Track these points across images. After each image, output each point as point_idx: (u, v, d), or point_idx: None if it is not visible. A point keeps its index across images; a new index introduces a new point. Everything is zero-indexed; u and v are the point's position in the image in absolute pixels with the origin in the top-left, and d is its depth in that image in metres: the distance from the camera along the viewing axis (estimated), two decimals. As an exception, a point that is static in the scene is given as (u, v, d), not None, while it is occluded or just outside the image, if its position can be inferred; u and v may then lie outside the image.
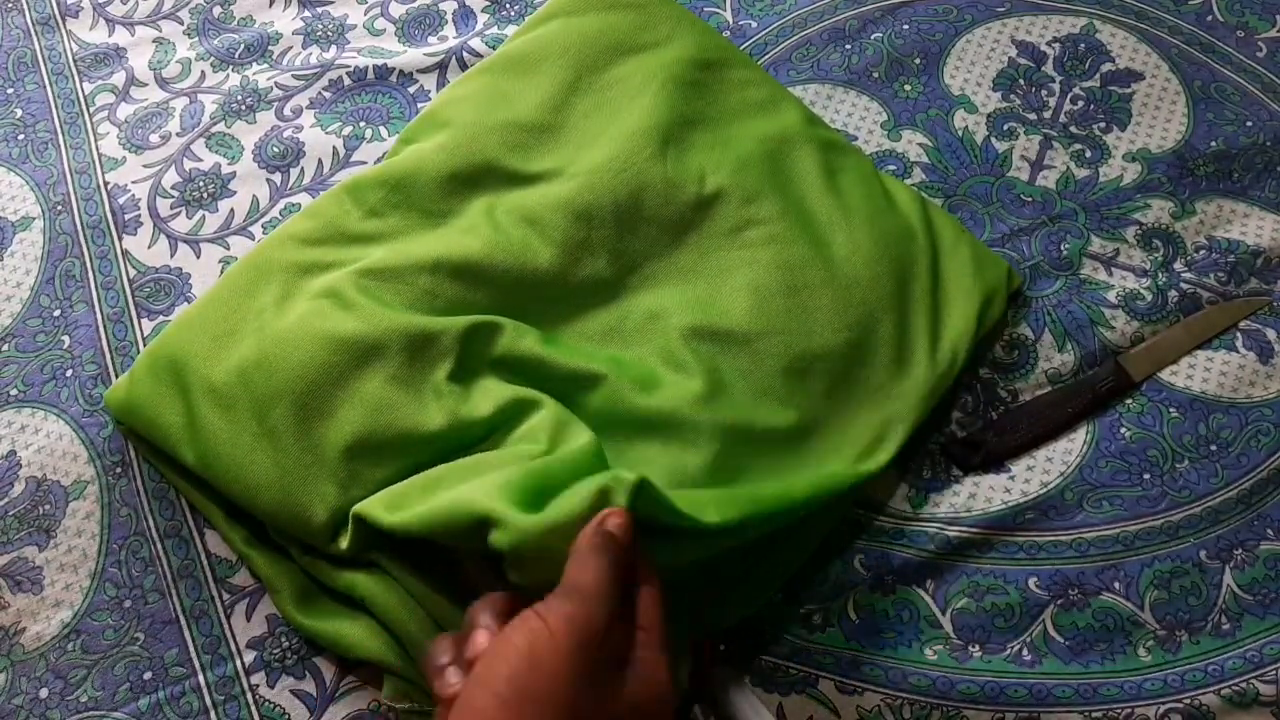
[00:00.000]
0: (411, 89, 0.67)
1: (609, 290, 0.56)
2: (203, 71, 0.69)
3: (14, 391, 0.57)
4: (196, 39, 0.70)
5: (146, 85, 0.68)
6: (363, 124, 0.66)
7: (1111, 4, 0.71)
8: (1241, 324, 0.59)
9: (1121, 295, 0.60)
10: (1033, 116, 0.66)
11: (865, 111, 0.66)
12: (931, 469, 0.56)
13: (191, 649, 0.51)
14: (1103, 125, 0.66)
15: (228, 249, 0.61)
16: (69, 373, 0.57)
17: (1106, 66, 0.68)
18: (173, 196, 0.63)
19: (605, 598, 0.37)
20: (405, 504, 0.45)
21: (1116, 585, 0.52)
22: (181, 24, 0.71)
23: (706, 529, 0.43)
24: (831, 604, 0.52)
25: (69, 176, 0.64)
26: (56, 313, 0.60)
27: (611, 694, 0.37)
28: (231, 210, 0.63)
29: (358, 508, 0.47)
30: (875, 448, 0.53)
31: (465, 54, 0.68)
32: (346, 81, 0.67)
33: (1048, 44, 0.69)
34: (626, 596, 0.40)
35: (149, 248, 0.61)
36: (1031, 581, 0.53)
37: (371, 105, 0.66)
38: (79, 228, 0.62)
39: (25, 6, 0.73)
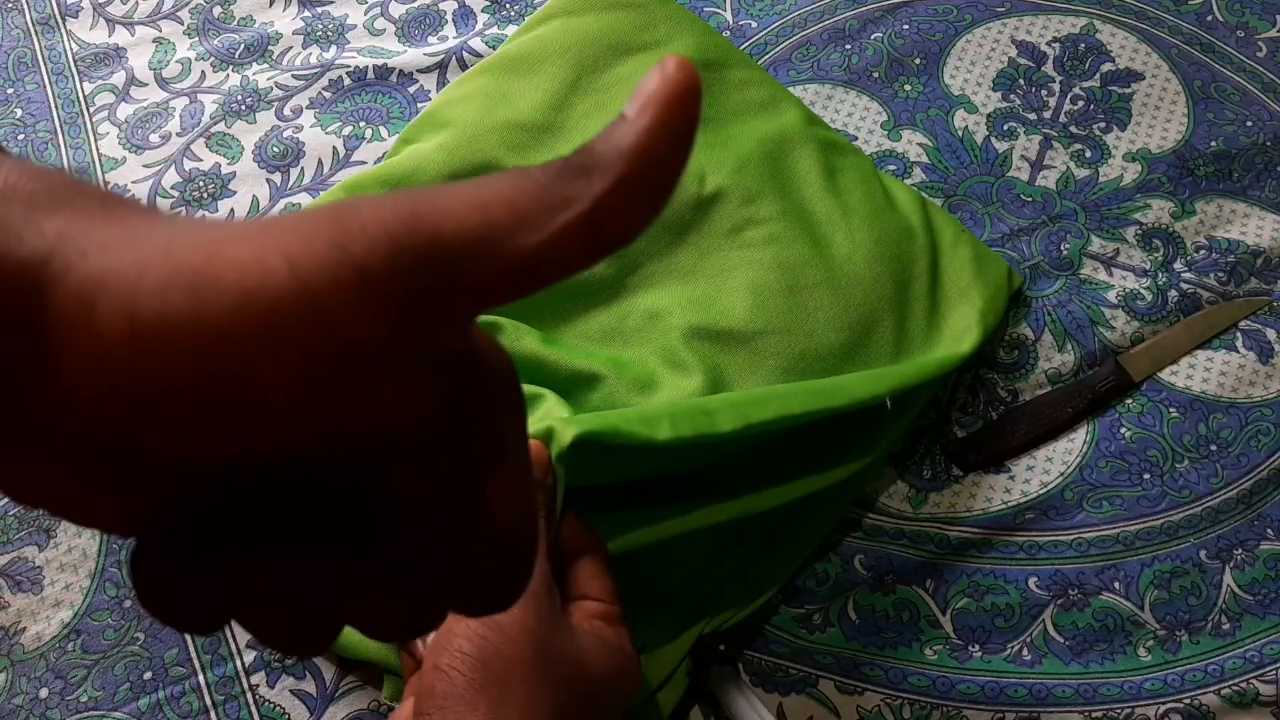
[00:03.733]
0: (411, 89, 0.67)
1: (609, 290, 0.56)
2: (203, 71, 0.69)
3: (14, 391, 0.57)
4: (196, 39, 0.70)
5: (146, 85, 0.68)
6: (363, 124, 0.66)
7: (1111, 4, 0.71)
8: (1241, 324, 0.59)
9: (1121, 295, 0.60)
10: (1033, 116, 0.66)
11: (865, 111, 0.66)
12: (931, 469, 0.56)
13: (191, 649, 0.51)
14: (1103, 125, 0.66)
15: (228, 249, 0.61)
16: (69, 373, 0.57)
17: (1106, 66, 0.68)
18: (173, 196, 0.63)
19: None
20: None
21: (1116, 585, 0.52)
22: (181, 24, 0.71)
23: (659, 445, 0.42)
24: (831, 604, 0.52)
25: (69, 176, 0.64)
26: (56, 313, 0.59)
27: (575, 663, 0.37)
28: (232, 210, 0.63)
29: None
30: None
31: (465, 54, 0.68)
32: (346, 81, 0.67)
33: (1048, 44, 0.69)
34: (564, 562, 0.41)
35: (149, 248, 0.61)
36: (1031, 581, 0.53)
37: (371, 105, 0.66)
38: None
39: (25, 6, 0.73)
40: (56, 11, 0.72)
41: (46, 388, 0.16)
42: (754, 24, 0.70)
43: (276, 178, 0.64)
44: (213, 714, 0.50)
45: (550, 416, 0.48)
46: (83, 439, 0.16)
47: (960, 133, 0.65)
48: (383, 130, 0.65)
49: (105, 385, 0.16)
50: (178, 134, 0.66)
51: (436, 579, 0.20)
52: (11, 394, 0.16)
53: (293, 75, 0.68)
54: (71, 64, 0.70)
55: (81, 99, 0.68)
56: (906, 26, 0.70)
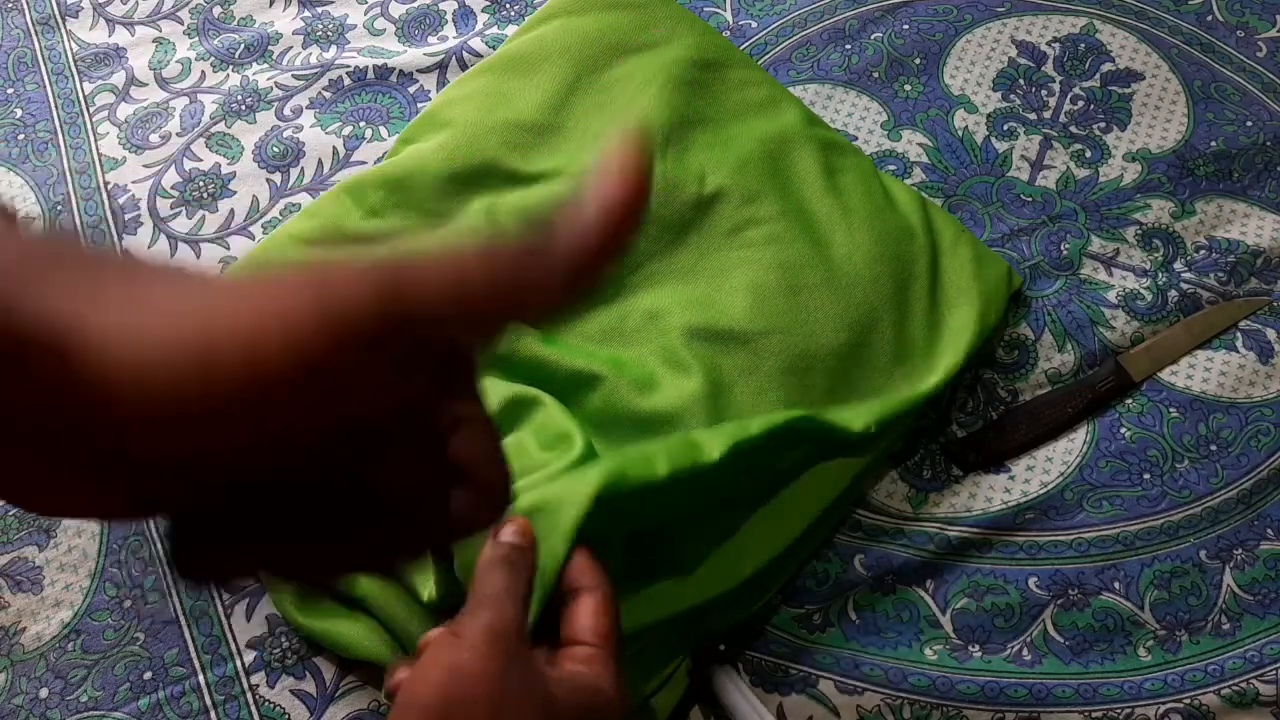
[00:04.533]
0: (411, 89, 0.67)
1: (609, 290, 0.56)
2: (203, 71, 0.69)
3: (14, 391, 0.57)
4: (196, 39, 0.70)
5: (146, 85, 0.68)
6: (363, 124, 0.66)
7: (1111, 4, 0.71)
8: (1241, 324, 0.59)
9: (1121, 295, 0.60)
10: (1033, 116, 0.66)
11: (865, 111, 0.66)
12: (931, 469, 0.56)
13: (191, 649, 0.51)
14: (1103, 125, 0.66)
15: (228, 249, 0.61)
16: (69, 373, 0.57)
17: (1106, 66, 0.68)
18: (173, 196, 0.63)
19: (515, 597, 0.39)
20: None
21: (1116, 585, 0.52)
22: (181, 24, 0.71)
23: (659, 484, 0.43)
24: (831, 604, 0.52)
25: (69, 176, 0.64)
26: (56, 313, 0.59)
27: (538, 705, 0.37)
28: (232, 210, 0.63)
29: None
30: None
31: (465, 54, 0.68)
32: (346, 81, 0.67)
33: (1048, 44, 0.69)
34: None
35: (149, 248, 0.61)
36: (1031, 581, 0.53)
37: (371, 105, 0.66)
38: (79, 228, 0.62)
39: (25, 6, 0.73)
40: (56, 11, 0.72)
41: (72, 436, 0.18)
42: (754, 24, 0.70)
43: (276, 177, 0.64)
44: (213, 714, 0.50)
45: (554, 430, 0.48)
46: (100, 463, 0.18)
47: (960, 133, 0.65)
48: (383, 130, 0.65)
49: (123, 442, 0.18)
50: (178, 134, 0.66)
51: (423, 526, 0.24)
52: (32, 430, 0.18)
53: (293, 75, 0.68)
54: (71, 64, 0.70)
55: (81, 99, 0.68)
56: (906, 26, 0.70)
